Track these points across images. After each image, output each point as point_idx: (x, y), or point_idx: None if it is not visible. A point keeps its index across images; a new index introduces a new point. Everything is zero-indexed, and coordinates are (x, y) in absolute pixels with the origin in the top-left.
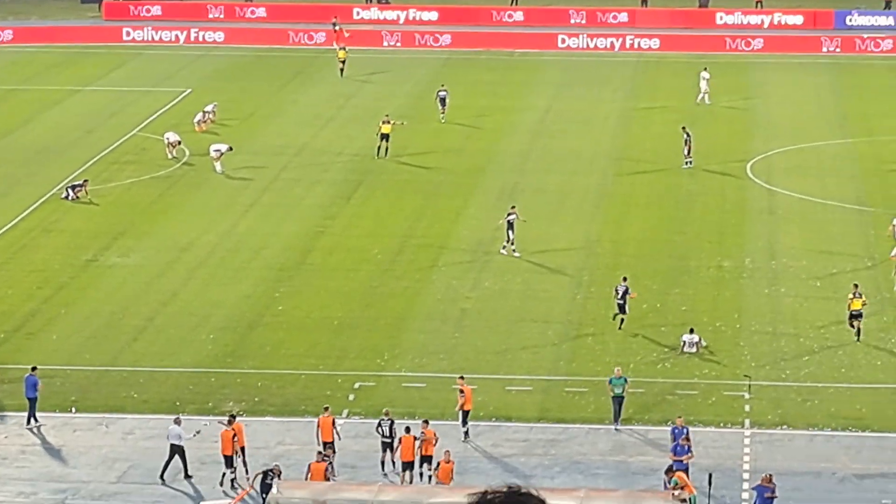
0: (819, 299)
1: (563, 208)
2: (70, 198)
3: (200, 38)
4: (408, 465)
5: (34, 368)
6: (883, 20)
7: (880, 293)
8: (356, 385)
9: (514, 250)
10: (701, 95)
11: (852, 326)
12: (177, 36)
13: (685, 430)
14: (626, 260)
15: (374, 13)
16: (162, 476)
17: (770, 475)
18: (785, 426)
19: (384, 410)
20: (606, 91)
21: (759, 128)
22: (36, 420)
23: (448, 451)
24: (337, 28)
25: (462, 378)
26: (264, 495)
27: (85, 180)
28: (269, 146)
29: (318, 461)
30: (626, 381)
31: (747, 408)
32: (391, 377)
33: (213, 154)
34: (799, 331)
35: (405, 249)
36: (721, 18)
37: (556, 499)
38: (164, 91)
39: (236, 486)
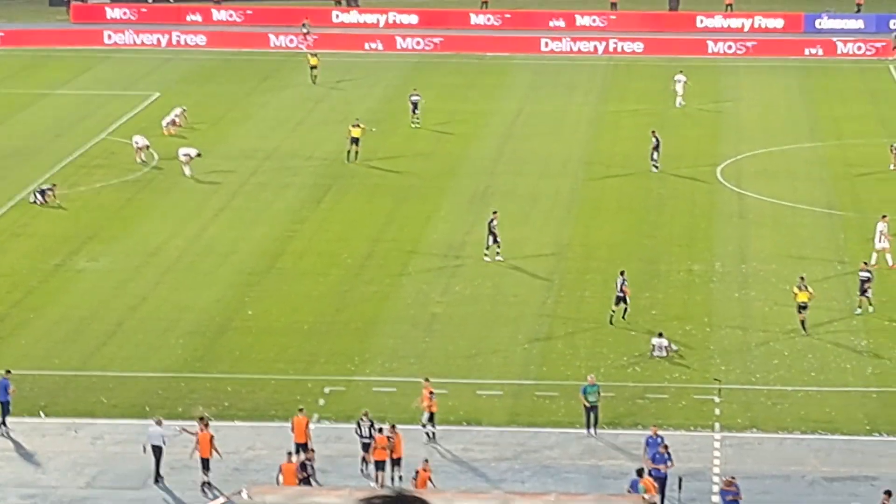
0: (789, 303)
1: (534, 212)
2: (39, 202)
3: (174, 42)
4: (381, 465)
5: (8, 371)
6: (853, 23)
7: (849, 297)
8: (326, 390)
9: (497, 254)
10: (678, 99)
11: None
12: (143, 41)
13: (661, 439)
14: (597, 264)
15: (353, 16)
16: (157, 480)
17: (732, 478)
18: (755, 429)
19: (363, 411)
20: (577, 95)
21: (729, 131)
22: (5, 425)
23: (427, 461)
24: (306, 31)
25: (427, 381)
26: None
27: (54, 184)
28: (239, 150)
29: (288, 462)
30: (598, 388)
31: (717, 411)
32: (361, 382)
33: (182, 158)
34: (769, 334)
35: (375, 254)
36: (701, 22)
37: (528, 503)
38: (132, 95)
39: (205, 490)
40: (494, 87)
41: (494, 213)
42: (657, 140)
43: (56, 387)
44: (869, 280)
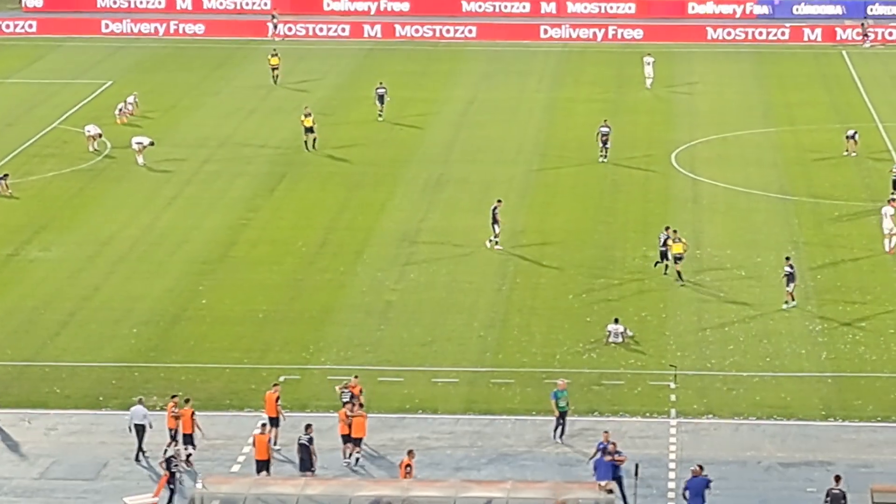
0: (744, 288)
1: (488, 199)
2: None
3: (125, 30)
4: (345, 438)
5: None
6: (829, 9)
7: (804, 282)
8: (281, 378)
9: (496, 244)
10: (649, 80)
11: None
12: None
13: (608, 445)
14: (552, 250)
15: (344, 4)
16: (138, 457)
17: (699, 466)
18: (710, 415)
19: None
20: (531, 81)
21: (684, 117)
22: None
23: (412, 452)
24: (275, 22)
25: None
26: (171, 482)
27: (5, 174)
28: (191, 138)
29: (261, 433)
30: (567, 393)
31: (673, 397)
32: (316, 370)
33: (134, 147)
34: (724, 320)
35: (329, 242)
36: (693, 8)
37: (484, 491)
38: (84, 83)
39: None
40: (448, 74)
41: (499, 201)
42: (607, 128)
43: (8, 378)
44: (792, 275)
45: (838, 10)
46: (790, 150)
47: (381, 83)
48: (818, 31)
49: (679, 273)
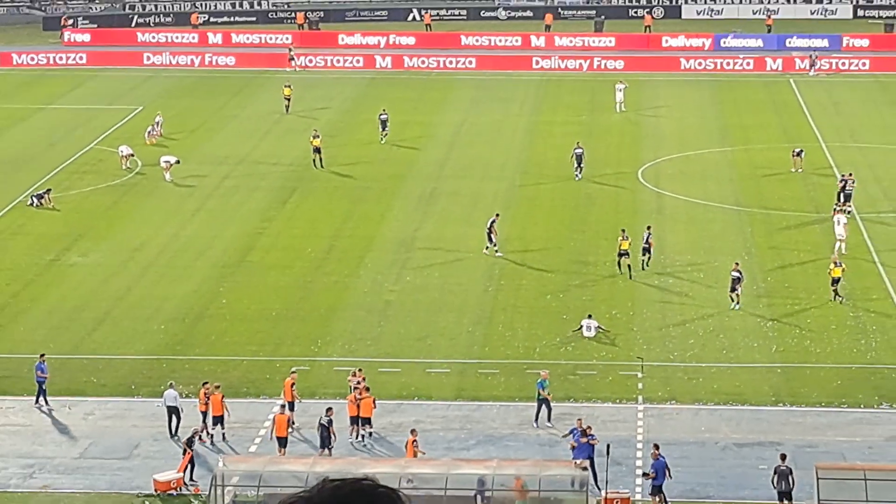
0: (702, 289)
1: (476, 211)
2: (35, 204)
3: (164, 62)
4: (353, 420)
5: (42, 355)
6: (753, 42)
7: (756, 284)
8: (292, 369)
9: (496, 251)
10: (618, 105)
11: (620, 264)
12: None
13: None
14: (532, 255)
15: (357, 38)
16: (171, 435)
17: (656, 445)
18: (673, 401)
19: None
20: (514, 107)
21: (649, 138)
22: (45, 402)
23: (415, 431)
24: (292, 57)
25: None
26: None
27: (48, 189)
28: (213, 157)
29: (280, 413)
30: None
31: (640, 385)
32: (323, 362)
33: (162, 164)
34: (685, 317)
35: (335, 248)
36: (666, 42)
37: (472, 468)
38: (117, 109)
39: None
40: (441, 100)
41: (497, 215)
42: (581, 150)
43: (51, 369)
44: (738, 280)
45: (762, 42)
46: (744, 167)
47: (383, 110)
48: (779, 61)
49: (629, 267)
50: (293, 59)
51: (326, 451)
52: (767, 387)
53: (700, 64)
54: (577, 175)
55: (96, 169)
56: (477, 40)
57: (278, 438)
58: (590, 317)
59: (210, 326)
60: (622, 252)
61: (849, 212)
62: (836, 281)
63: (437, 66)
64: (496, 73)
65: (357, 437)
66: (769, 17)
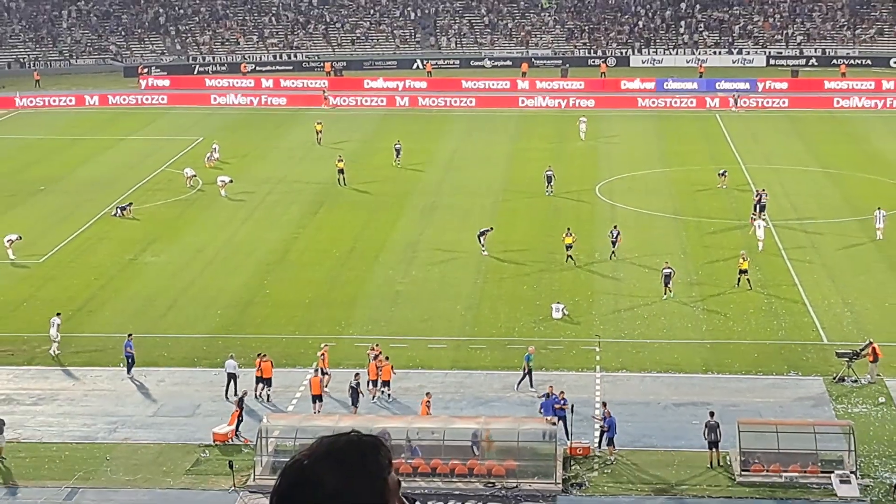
0: (647, 281)
1: (467, 221)
2: (119, 215)
3: (228, 102)
4: (373, 382)
5: (130, 335)
6: (690, 85)
7: (690, 276)
8: (322, 345)
9: (483, 250)
10: (582, 134)
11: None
12: (207, 99)
13: (555, 396)
14: (512, 255)
15: (380, 83)
16: (226, 396)
17: (604, 403)
18: (624, 370)
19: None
20: (497, 137)
21: (605, 161)
22: (130, 374)
23: (429, 394)
24: (326, 97)
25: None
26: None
27: (130, 203)
28: (259, 177)
29: (315, 376)
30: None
31: (598, 357)
32: (347, 339)
33: (218, 183)
34: (633, 303)
35: (356, 249)
36: (624, 85)
37: (465, 423)
38: (183, 139)
39: (266, 399)
40: (438, 131)
41: (490, 228)
42: (551, 172)
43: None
44: (670, 275)
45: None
46: (681, 185)
47: (398, 140)
48: (717, 100)
49: (572, 258)
50: (327, 98)
51: (354, 408)
52: (699, 358)
53: (648, 102)
54: (548, 191)
55: (166, 187)
56: (474, 84)
57: (313, 396)
58: (558, 302)
59: (256, 311)
60: (568, 245)
61: (764, 220)
62: (743, 272)
63: (445, 105)
64: (489, 110)
65: (374, 398)
66: (701, 65)
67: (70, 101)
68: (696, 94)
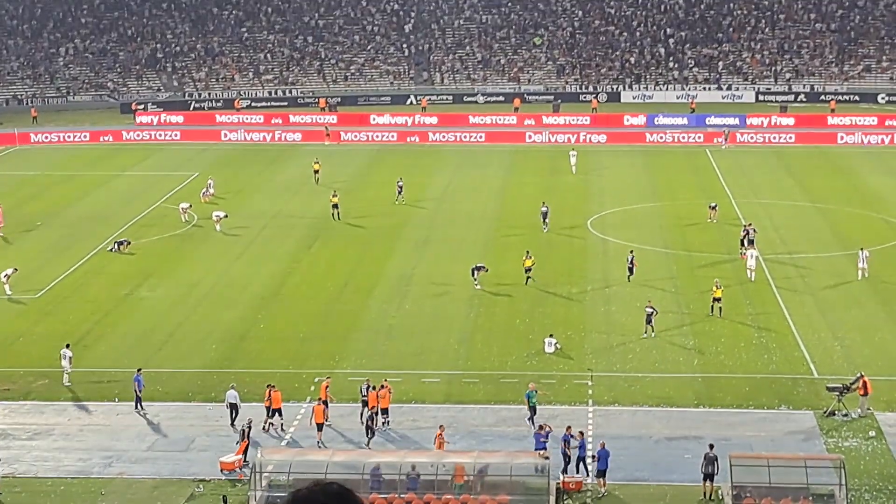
0: (639, 315)
1: (460, 253)
2: (115, 250)
3: (239, 138)
4: (383, 412)
5: (139, 370)
6: (680, 120)
7: (680, 310)
8: (316, 379)
9: (476, 285)
10: (573, 167)
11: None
12: (186, 135)
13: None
14: (505, 288)
15: (387, 118)
16: (232, 425)
17: (580, 431)
18: (616, 404)
19: (366, 379)
20: (490, 170)
21: (596, 195)
22: (142, 408)
23: (442, 426)
24: (328, 133)
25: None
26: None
27: (128, 240)
28: (254, 212)
29: (317, 404)
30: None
31: (590, 391)
32: (341, 373)
33: (214, 218)
34: (625, 337)
35: (350, 283)
36: (627, 120)
37: (458, 458)
38: (178, 175)
39: (279, 432)
40: (431, 165)
41: (486, 269)
42: (546, 208)
43: (126, 380)
44: (652, 314)
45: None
46: (671, 218)
47: (400, 178)
48: (699, 135)
49: (532, 279)
50: (328, 134)
51: (367, 443)
52: (691, 392)
53: (661, 138)
54: (544, 228)
55: (162, 222)
56: (481, 119)
57: (317, 424)
58: (551, 336)
59: (251, 345)
60: (527, 268)
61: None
62: (717, 299)
63: (455, 140)
64: (470, 145)
65: (384, 427)
66: (692, 101)
67: (70, 136)
68: (687, 129)
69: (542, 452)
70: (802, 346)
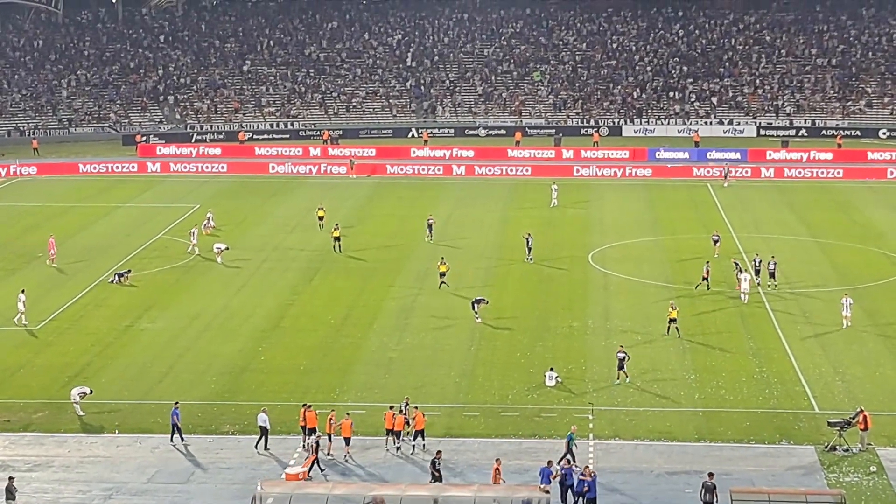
0: (640, 349)
1: (461, 286)
2: (116, 282)
3: (204, 169)
4: (388, 432)
5: (176, 403)
6: (681, 155)
7: (682, 344)
8: (316, 412)
9: (476, 318)
10: (553, 201)
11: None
12: (189, 169)
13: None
14: (505, 321)
15: (425, 151)
16: (256, 446)
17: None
18: (617, 438)
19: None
20: (490, 203)
21: (597, 228)
22: (182, 439)
23: (499, 460)
24: (352, 164)
25: (411, 405)
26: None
27: (129, 270)
28: (255, 244)
29: (346, 419)
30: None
31: (591, 425)
32: (341, 406)
33: (215, 250)
34: (626, 371)
35: (350, 316)
36: (583, 153)
37: (458, 491)
38: (179, 206)
39: (312, 447)
40: (432, 198)
41: (487, 301)
42: (530, 237)
43: (127, 411)
44: (624, 359)
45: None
46: (671, 252)
47: (430, 215)
48: (701, 170)
49: (446, 283)
50: (353, 166)
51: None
52: (692, 426)
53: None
54: (528, 259)
55: (163, 254)
56: (520, 153)
57: (345, 438)
58: (551, 370)
59: (252, 378)
60: (441, 273)
61: (769, 285)
62: (672, 320)
63: (500, 174)
64: (469, 178)
65: (392, 446)
66: (696, 134)
67: (72, 167)
68: (685, 163)
69: (542, 487)
70: (803, 380)
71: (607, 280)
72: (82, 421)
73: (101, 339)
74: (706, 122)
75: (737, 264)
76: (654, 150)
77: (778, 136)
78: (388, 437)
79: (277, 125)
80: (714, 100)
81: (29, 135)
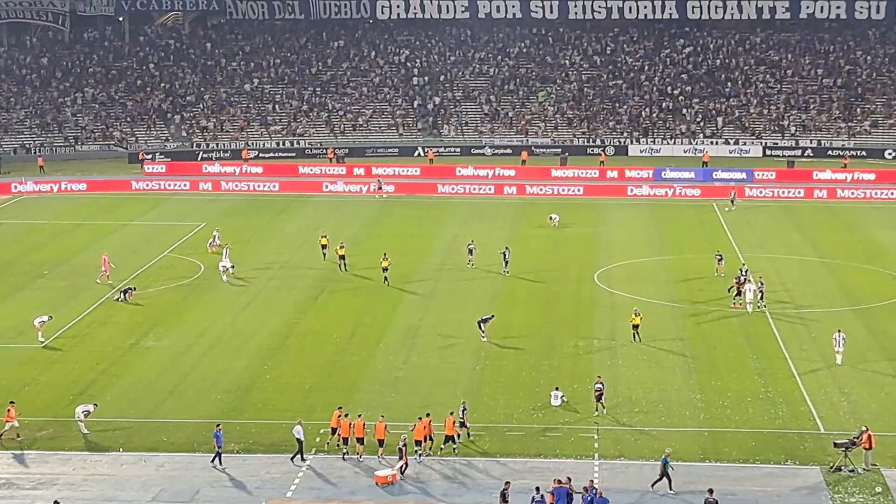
0: (646, 368)
1: (467, 304)
2: (121, 300)
3: (256, 189)
4: (418, 442)
5: (218, 425)
6: (687, 174)
7: (688, 364)
8: (321, 431)
9: (482, 335)
10: (554, 223)
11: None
12: (245, 187)
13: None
14: (511, 340)
15: (470, 170)
16: (293, 459)
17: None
18: (623, 458)
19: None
20: (497, 221)
21: (603, 248)
22: (220, 462)
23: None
24: (380, 185)
25: (428, 416)
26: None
27: (133, 287)
28: (261, 262)
29: (379, 421)
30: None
31: (596, 445)
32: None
33: (220, 268)
34: (631, 391)
35: (356, 334)
36: (627, 173)
37: None
38: (185, 224)
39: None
40: (439, 217)
41: (492, 316)
42: (507, 253)
43: (132, 430)
44: (601, 390)
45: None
46: (678, 272)
47: (471, 240)
48: (696, 189)
49: (387, 279)
50: (381, 187)
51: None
52: (697, 447)
53: (665, 193)
54: (504, 271)
55: (169, 273)
56: (563, 173)
57: (378, 440)
58: (557, 389)
59: (257, 396)
60: (384, 268)
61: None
62: (635, 326)
63: (542, 194)
64: (474, 197)
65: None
66: (706, 154)
67: (78, 186)
68: (691, 182)
69: None
70: (809, 400)
71: (613, 299)
72: (87, 439)
73: (106, 357)
74: (712, 142)
75: (743, 273)
76: (660, 169)
77: (784, 156)
78: (417, 446)
79: (283, 143)
80: (720, 120)
81: (35, 153)
